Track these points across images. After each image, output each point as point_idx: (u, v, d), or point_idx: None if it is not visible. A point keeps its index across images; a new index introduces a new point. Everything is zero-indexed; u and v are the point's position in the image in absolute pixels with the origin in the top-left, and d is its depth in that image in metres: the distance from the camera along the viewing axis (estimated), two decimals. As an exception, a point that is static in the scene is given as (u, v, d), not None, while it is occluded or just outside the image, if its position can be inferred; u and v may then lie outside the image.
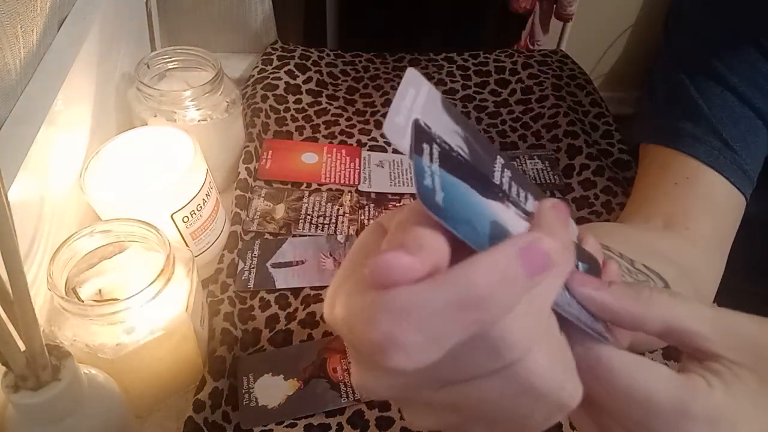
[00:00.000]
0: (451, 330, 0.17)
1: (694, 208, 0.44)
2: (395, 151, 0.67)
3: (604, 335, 0.23)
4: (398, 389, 0.20)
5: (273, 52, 0.77)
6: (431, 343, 0.17)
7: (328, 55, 0.79)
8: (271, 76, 0.72)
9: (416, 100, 0.20)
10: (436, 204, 0.18)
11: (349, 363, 0.46)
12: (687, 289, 0.42)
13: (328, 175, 0.63)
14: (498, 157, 0.23)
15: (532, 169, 0.65)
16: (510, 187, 0.23)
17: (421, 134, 0.19)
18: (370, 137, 0.68)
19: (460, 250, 0.18)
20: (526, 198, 0.24)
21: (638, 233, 0.44)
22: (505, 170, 0.23)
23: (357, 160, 0.65)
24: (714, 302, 0.46)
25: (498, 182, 0.22)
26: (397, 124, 0.18)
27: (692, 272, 0.43)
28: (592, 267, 0.27)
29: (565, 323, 0.22)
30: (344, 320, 0.18)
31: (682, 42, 0.48)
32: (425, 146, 0.19)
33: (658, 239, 0.43)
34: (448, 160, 0.20)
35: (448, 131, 0.21)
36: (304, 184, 0.62)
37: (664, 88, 0.49)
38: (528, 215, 0.23)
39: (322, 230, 0.57)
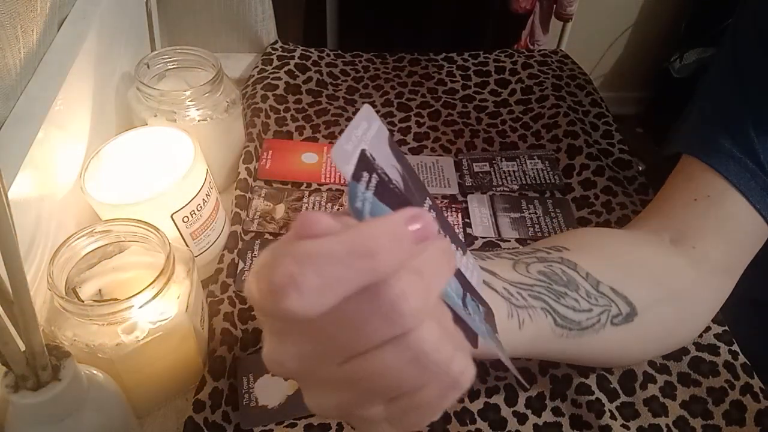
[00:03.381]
0: (345, 276, 0.19)
1: (707, 229, 0.43)
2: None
3: (494, 350, 0.26)
4: (302, 360, 0.21)
5: (273, 52, 0.77)
6: (326, 287, 0.18)
7: (328, 55, 0.79)
8: (271, 76, 0.72)
9: (367, 132, 0.22)
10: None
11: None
12: (666, 315, 0.42)
13: (328, 175, 0.63)
14: (427, 198, 0.26)
15: (532, 169, 0.65)
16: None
17: (364, 163, 0.21)
18: (370, 137, 0.68)
19: None
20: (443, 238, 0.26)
21: (636, 248, 0.43)
22: (431, 210, 0.25)
23: (357, 160, 0.65)
24: (720, 313, 0.46)
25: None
26: (345, 151, 0.21)
27: (685, 295, 0.42)
28: (487, 310, 0.30)
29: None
30: (256, 272, 0.19)
31: (747, 55, 0.44)
32: (365, 174, 0.21)
33: (656, 256, 0.42)
34: (384, 189, 0.22)
35: (389, 165, 0.23)
36: (304, 184, 0.62)
37: (714, 98, 0.46)
38: None
39: (322, 230, 0.57)
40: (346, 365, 0.21)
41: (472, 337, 0.26)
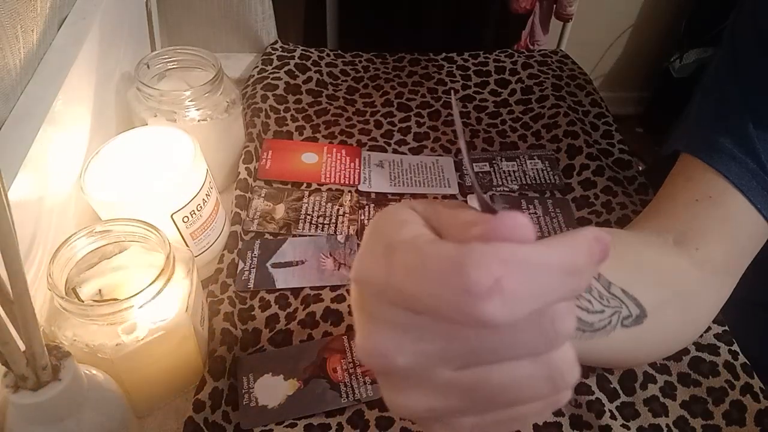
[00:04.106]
0: (551, 290, 0.18)
1: (710, 230, 0.42)
2: (395, 151, 0.67)
3: None
4: (419, 357, 0.19)
5: (273, 52, 0.77)
6: (532, 297, 0.17)
7: (328, 55, 0.79)
8: (271, 76, 0.72)
9: None
10: None
11: (350, 363, 0.46)
12: (672, 317, 0.41)
13: (328, 175, 0.63)
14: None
15: (532, 169, 0.65)
16: None
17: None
18: (370, 137, 0.68)
19: None
20: None
21: (640, 249, 0.43)
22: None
23: (357, 160, 0.65)
24: (720, 314, 0.46)
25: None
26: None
27: (690, 296, 0.42)
28: None
29: None
30: (428, 267, 0.18)
31: (746, 55, 0.44)
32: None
33: (660, 257, 0.42)
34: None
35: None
36: (304, 184, 0.62)
37: (714, 98, 0.46)
38: None
39: (322, 230, 0.57)
40: (467, 371, 0.20)
41: None
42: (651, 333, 0.40)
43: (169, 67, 0.57)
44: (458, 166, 0.65)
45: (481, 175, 0.64)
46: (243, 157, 0.61)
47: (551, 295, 0.18)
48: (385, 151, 0.67)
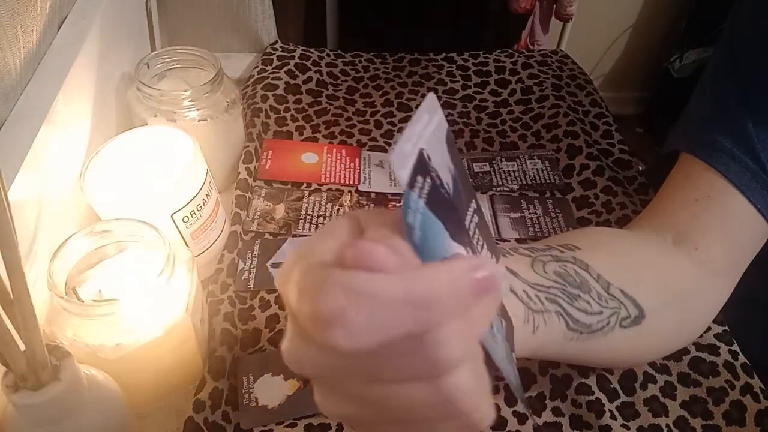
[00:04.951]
0: (395, 322, 0.18)
1: (709, 229, 0.42)
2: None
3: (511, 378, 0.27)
4: (328, 370, 0.21)
5: (273, 52, 0.77)
6: (373, 330, 0.18)
7: (328, 55, 0.79)
8: (271, 76, 0.72)
9: (427, 127, 0.21)
10: (413, 242, 0.20)
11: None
12: (671, 317, 0.41)
13: (328, 175, 0.63)
14: (473, 201, 0.25)
15: (532, 169, 0.65)
16: (474, 233, 0.24)
17: (421, 166, 0.20)
18: (370, 137, 0.68)
19: None
20: (482, 248, 0.25)
21: (640, 248, 0.43)
22: (475, 216, 0.24)
23: (357, 160, 0.65)
24: (720, 314, 0.46)
25: (467, 226, 0.24)
26: (404, 152, 0.19)
27: (689, 297, 0.42)
28: (509, 324, 0.29)
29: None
30: (299, 286, 0.19)
31: (746, 55, 0.44)
32: (419, 179, 0.20)
33: (660, 257, 0.42)
34: (435, 195, 0.21)
35: (443, 166, 0.22)
36: (304, 184, 0.62)
37: (713, 97, 0.46)
38: None
39: (322, 230, 0.57)
40: (374, 386, 0.20)
41: (492, 367, 0.25)
42: (650, 333, 0.40)
43: (169, 67, 0.57)
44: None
45: (481, 175, 0.64)
46: (243, 157, 0.61)
47: (396, 328, 0.18)
48: (385, 151, 0.67)
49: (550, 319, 0.34)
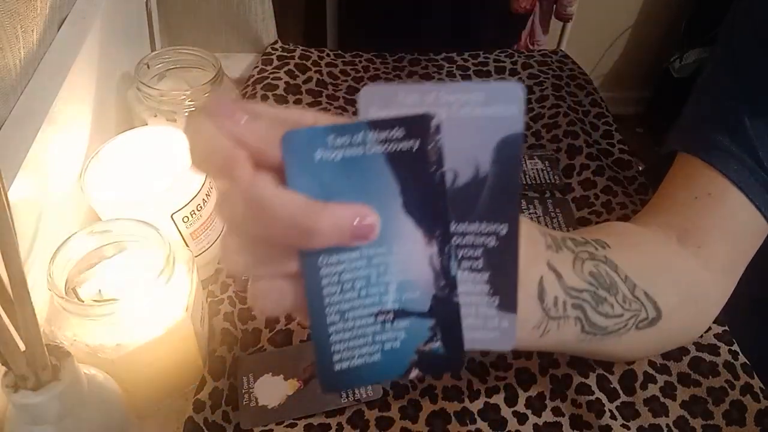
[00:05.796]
0: (272, 234, 0.22)
1: (711, 228, 0.42)
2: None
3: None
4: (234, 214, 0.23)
5: (273, 52, 0.77)
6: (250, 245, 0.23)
7: (328, 55, 0.79)
8: (271, 76, 0.72)
9: (487, 108, 0.20)
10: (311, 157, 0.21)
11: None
12: (684, 316, 0.42)
13: (328, 175, 0.63)
14: (498, 225, 0.24)
15: (532, 169, 0.65)
16: (450, 253, 0.24)
17: (413, 123, 0.20)
18: (370, 137, 0.68)
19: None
20: (455, 269, 0.24)
21: (660, 248, 0.43)
22: (447, 248, 0.24)
23: (357, 160, 0.65)
24: (720, 314, 0.46)
25: (447, 231, 0.23)
26: (398, 99, 0.20)
27: (699, 296, 0.42)
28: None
29: None
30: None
31: (745, 54, 0.44)
32: (397, 130, 0.20)
33: (672, 256, 0.42)
34: (412, 161, 0.21)
35: (466, 157, 0.21)
36: (304, 184, 0.62)
37: (712, 97, 0.46)
38: (444, 286, 0.24)
39: (322, 230, 0.57)
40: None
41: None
42: (662, 332, 0.40)
43: (169, 67, 0.57)
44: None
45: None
46: (243, 157, 0.61)
47: (272, 237, 0.22)
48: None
49: (565, 324, 0.34)
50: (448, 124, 0.20)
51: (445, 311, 0.24)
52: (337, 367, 0.24)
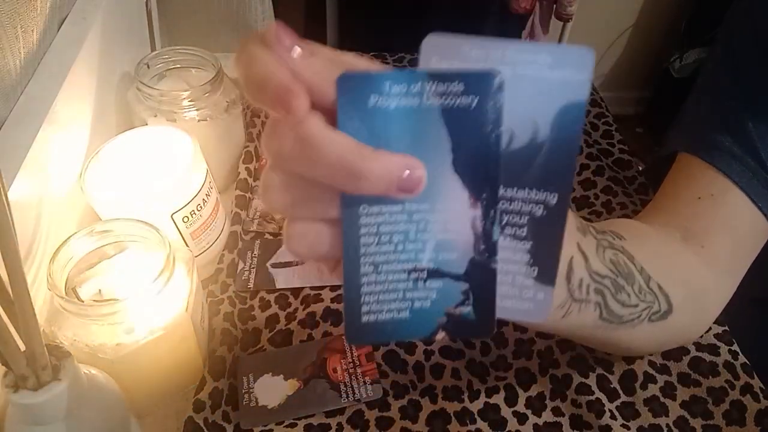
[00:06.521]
0: (321, 175, 0.22)
1: (713, 228, 0.42)
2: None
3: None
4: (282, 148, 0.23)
5: (273, 52, 0.77)
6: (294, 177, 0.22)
7: (328, 55, 0.79)
8: (271, 76, 0.72)
9: (554, 71, 0.20)
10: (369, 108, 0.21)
11: (350, 363, 0.46)
12: (689, 314, 0.42)
13: (328, 175, 0.63)
14: (549, 194, 0.23)
15: (532, 169, 0.65)
16: (495, 218, 0.23)
17: (474, 79, 0.19)
18: (370, 137, 0.68)
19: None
20: (496, 233, 0.23)
21: (668, 246, 0.43)
22: (492, 211, 0.23)
23: (357, 160, 0.65)
24: (720, 314, 0.46)
25: (495, 194, 0.22)
26: (463, 52, 0.19)
27: (701, 295, 0.42)
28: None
29: None
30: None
31: (745, 54, 0.44)
32: (456, 84, 0.19)
33: (678, 254, 0.42)
34: (467, 118, 0.20)
35: (527, 118, 0.20)
36: (304, 184, 0.62)
37: (712, 97, 0.46)
38: (483, 250, 0.23)
39: (322, 230, 0.57)
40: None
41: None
42: (668, 329, 0.40)
43: (169, 67, 0.57)
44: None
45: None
46: (243, 157, 0.61)
47: (321, 177, 0.22)
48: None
49: (586, 308, 0.34)
50: (511, 83, 0.20)
51: (480, 276, 0.23)
52: (365, 318, 0.24)
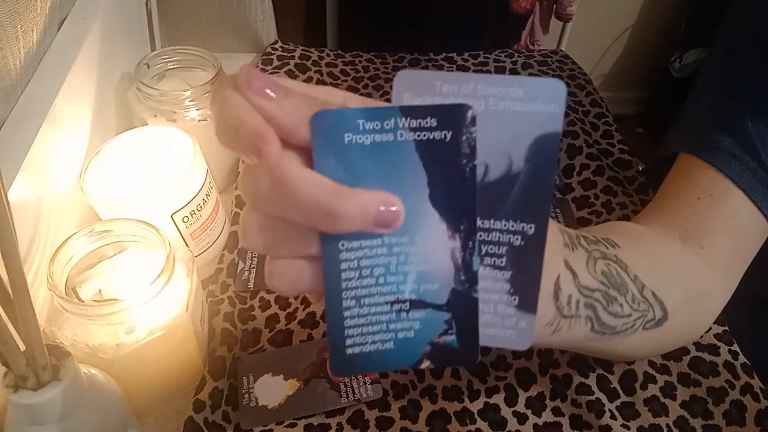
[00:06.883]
0: (297, 216, 0.22)
1: (713, 228, 0.42)
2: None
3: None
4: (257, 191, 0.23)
5: (273, 52, 0.77)
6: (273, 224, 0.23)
7: (328, 55, 0.79)
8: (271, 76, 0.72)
9: (528, 105, 0.20)
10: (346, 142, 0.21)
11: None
12: (688, 317, 0.42)
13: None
14: (527, 226, 0.23)
15: (532, 169, 0.65)
16: (474, 248, 0.23)
17: (455, 115, 0.19)
18: (370, 137, 0.68)
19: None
20: (476, 265, 0.24)
21: (665, 248, 0.43)
22: (470, 243, 0.23)
23: (357, 160, 0.65)
24: (720, 314, 0.46)
25: (473, 225, 0.23)
26: (434, 86, 0.19)
27: (701, 297, 0.42)
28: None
29: None
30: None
31: (744, 54, 0.44)
32: (429, 120, 0.20)
33: (676, 256, 0.42)
34: (442, 151, 0.20)
35: (498, 151, 0.21)
36: (304, 184, 0.62)
37: (712, 97, 0.46)
38: (464, 280, 0.24)
39: (322, 230, 0.57)
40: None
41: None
42: (665, 333, 0.40)
43: (169, 67, 0.57)
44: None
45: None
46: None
47: (298, 216, 0.22)
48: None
49: (576, 323, 0.34)
50: (483, 116, 0.20)
51: (462, 306, 0.24)
52: (349, 351, 0.24)
